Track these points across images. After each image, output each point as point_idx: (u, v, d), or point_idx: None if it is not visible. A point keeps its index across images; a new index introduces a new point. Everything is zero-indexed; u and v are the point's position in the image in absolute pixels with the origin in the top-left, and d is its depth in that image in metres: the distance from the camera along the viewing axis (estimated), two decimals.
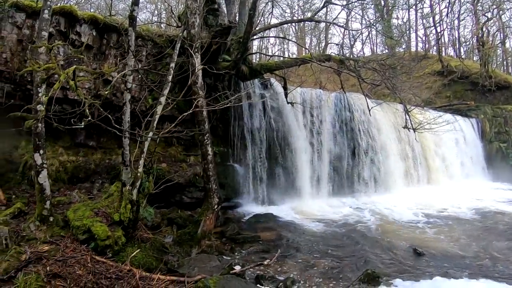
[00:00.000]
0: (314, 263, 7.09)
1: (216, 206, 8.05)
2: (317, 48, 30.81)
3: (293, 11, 30.92)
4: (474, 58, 32.33)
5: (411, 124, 11.34)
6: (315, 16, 15.00)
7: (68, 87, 7.43)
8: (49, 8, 6.14)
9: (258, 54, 21.72)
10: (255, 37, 13.71)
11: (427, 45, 33.84)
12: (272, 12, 26.84)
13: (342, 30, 29.04)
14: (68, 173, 8.56)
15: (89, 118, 4.56)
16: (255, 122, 12.33)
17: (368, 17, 28.72)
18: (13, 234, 5.31)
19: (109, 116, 5.29)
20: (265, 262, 6.75)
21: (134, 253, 5.47)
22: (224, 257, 7.02)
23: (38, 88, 5.70)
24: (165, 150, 10.24)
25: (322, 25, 28.49)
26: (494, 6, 28.47)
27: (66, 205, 6.69)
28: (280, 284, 5.87)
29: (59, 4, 8.70)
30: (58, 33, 8.48)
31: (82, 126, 4.57)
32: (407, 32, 33.18)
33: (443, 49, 32.58)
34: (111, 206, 6.13)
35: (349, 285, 6.03)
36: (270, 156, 12.53)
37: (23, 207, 6.35)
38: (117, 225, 5.84)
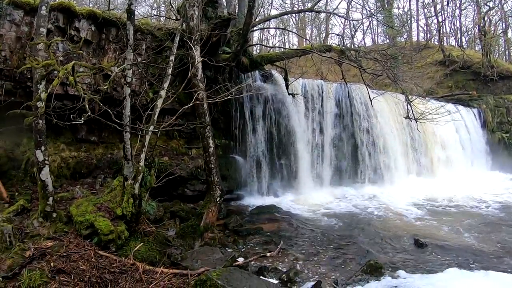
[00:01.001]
0: (316, 254, 7.13)
1: (218, 199, 8.06)
2: (317, 39, 30.60)
3: (293, 2, 30.69)
4: (476, 48, 32.07)
5: (413, 114, 11.28)
6: (315, 7, 14.94)
7: (68, 83, 7.42)
8: (46, 4, 6.12)
9: (258, 45, 21.61)
10: (255, 28, 13.62)
11: (428, 35, 33.59)
12: (272, 3, 26.71)
13: (343, 20, 28.96)
14: (70, 168, 8.59)
15: (89, 113, 4.57)
16: (256, 114, 12.34)
17: (369, 7, 28.52)
18: (16, 231, 5.34)
19: (109, 110, 5.29)
20: (268, 254, 6.83)
21: (137, 247, 5.52)
22: (227, 249, 7.07)
23: (38, 85, 5.70)
24: (167, 143, 10.26)
25: (323, 15, 28.26)
26: None
27: (69, 201, 6.72)
28: (283, 275, 5.91)
29: (57, 0, 8.64)
30: (57, 29, 8.46)
31: (82, 122, 4.59)
32: (408, 22, 32.96)
33: (445, 38, 32.37)
34: (114, 200, 6.15)
35: (352, 276, 6.07)
36: (272, 148, 12.54)
37: (26, 204, 6.38)
38: (120, 220, 5.87)
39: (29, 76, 7.78)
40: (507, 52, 35.48)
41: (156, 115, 6.68)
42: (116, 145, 9.34)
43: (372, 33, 35.34)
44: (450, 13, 33.34)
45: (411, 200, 12.27)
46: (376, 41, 33.42)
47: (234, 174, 11.40)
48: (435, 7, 30.28)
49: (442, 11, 31.57)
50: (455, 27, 33.98)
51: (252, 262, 6.40)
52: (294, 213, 10.18)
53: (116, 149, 9.27)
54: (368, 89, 12.59)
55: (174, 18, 10.93)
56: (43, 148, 5.77)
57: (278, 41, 32.72)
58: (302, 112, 13.42)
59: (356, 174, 14.49)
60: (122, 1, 23.89)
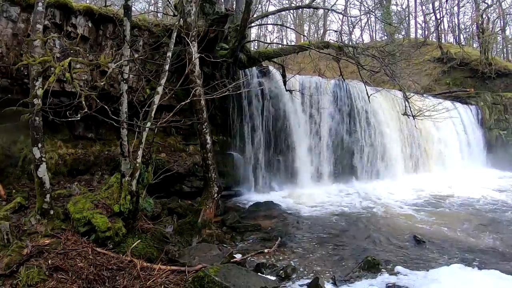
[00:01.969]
0: (314, 250, 7.15)
1: (216, 195, 8.08)
2: (315, 35, 30.61)
3: None
4: (474, 45, 32.14)
5: (411, 111, 11.30)
6: (313, 3, 14.85)
7: (65, 79, 7.39)
8: (43, 1, 6.08)
9: (256, 41, 21.55)
10: (252, 24, 13.61)
11: (426, 32, 33.63)
12: None
13: (341, 16, 28.80)
14: (67, 165, 8.55)
15: (85, 110, 4.55)
16: (254, 110, 12.34)
17: (367, 4, 28.44)
18: (14, 228, 5.34)
19: (106, 107, 5.28)
20: (266, 251, 6.85)
21: (135, 244, 5.52)
22: (225, 246, 7.06)
23: (34, 82, 5.67)
24: (164, 140, 10.26)
25: (321, 12, 28.18)
26: None
27: (66, 198, 6.70)
28: (281, 271, 5.92)
29: None
30: (54, 25, 8.40)
31: (78, 118, 4.57)
32: (406, 18, 32.97)
33: (443, 35, 32.51)
34: (111, 197, 6.16)
35: (349, 272, 6.08)
36: (270, 144, 12.58)
37: (24, 201, 6.36)
38: (117, 216, 5.87)
39: (25, 73, 7.73)
40: (505, 50, 35.62)
41: (153, 112, 6.66)
42: (114, 142, 9.31)
43: (370, 29, 35.37)
44: (449, 10, 33.29)
45: (409, 196, 12.34)
46: (374, 38, 33.41)
47: (231, 170, 11.40)
48: (433, 4, 30.28)
49: (441, 8, 31.54)
50: (453, 24, 33.98)
51: (250, 259, 6.40)
52: (292, 210, 10.19)
53: (114, 146, 9.24)
54: (366, 86, 12.59)
55: (172, 14, 10.89)
56: (40, 145, 5.75)
57: (276, 37, 32.68)
58: (300, 109, 13.45)
59: (354, 171, 14.56)
60: None
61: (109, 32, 9.22)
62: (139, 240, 5.68)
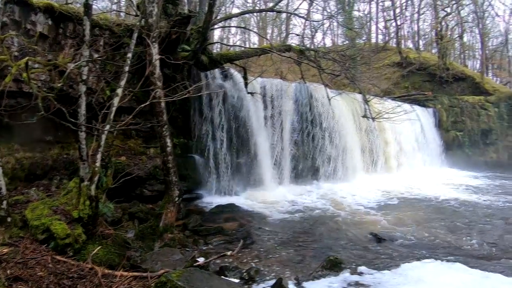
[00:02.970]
0: (277, 251, 7.28)
1: (177, 199, 8.03)
2: (278, 39, 30.89)
3: (255, 1, 30.84)
4: (433, 51, 33.70)
5: (370, 113, 11.72)
6: (277, 7, 15.09)
7: (22, 79, 7.13)
8: None
9: (218, 44, 21.56)
10: (215, 26, 13.60)
11: (387, 37, 34.85)
12: (233, 1, 26.68)
13: (304, 20, 29.32)
14: (25, 170, 8.24)
15: (42, 112, 4.45)
16: (215, 113, 12.34)
17: (330, 9, 29.13)
18: None
19: (63, 109, 5.18)
20: (228, 253, 6.90)
21: (95, 250, 5.42)
22: (187, 249, 7.06)
23: None
24: (124, 142, 10.08)
25: (284, 15, 28.57)
26: (454, 2, 29.80)
27: (24, 204, 6.46)
28: (244, 274, 5.99)
29: None
30: (12, 22, 8.08)
31: (35, 121, 4.47)
32: (368, 24, 34.08)
33: (403, 41, 33.90)
34: (70, 203, 6.01)
35: (312, 272, 6.23)
36: (231, 146, 12.60)
37: None
38: (77, 223, 5.74)
39: None
40: (462, 56, 37.64)
41: (112, 114, 6.57)
42: (73, 145, 9.02)
43: (332, 34, 36.18)
44: (409, 17, 34.80)
45: (369, 196, 12.86)
46: (336, 42, 34.19)
47: (193, 173, 11.37)
48: (394, 11, 31.52)
49: (401, 15, 32.90)
50: (413, 30, 35.43)
51: (213, 262, 6.42)
52: (254, 212, 10.31)
53: (73, 149, 8.96)
54: (327, 89, 12.95)
55: (134, 14, 10.73)
56: None
57: (239, 39, 32.82)
58: (261, 111, 13.58)
59: (315, 172, 14.92)
60: None
61: (70, 31, 8.98)
62: (99, 247, 5.57)
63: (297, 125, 14.72)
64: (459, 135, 23.65)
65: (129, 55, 7.40)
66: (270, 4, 22.66)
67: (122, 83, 6.95)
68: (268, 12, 21.27)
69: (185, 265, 5.77)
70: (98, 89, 8.99)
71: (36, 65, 7.36)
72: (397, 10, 31.88)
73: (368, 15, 34.63)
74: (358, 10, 33.80)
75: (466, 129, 24.06)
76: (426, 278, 5.98)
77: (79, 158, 6.17)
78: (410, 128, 19.84)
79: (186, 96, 6.57)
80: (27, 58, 4.82)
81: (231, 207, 10.40)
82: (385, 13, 34.55)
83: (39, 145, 8.84)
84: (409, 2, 33.09)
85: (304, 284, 5.84)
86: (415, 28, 34.67)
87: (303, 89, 15.07)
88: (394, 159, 18.59)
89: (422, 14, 34.53)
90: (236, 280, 5.74)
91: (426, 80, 27.50)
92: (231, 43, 26.53)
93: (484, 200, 12.80)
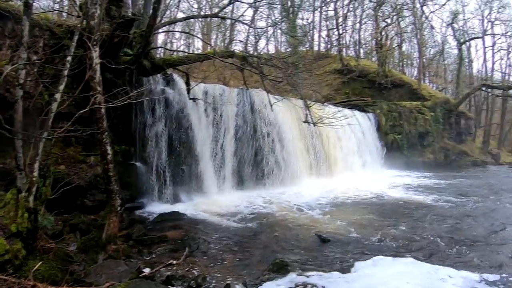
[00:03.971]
0: (224, 258, 7.33)
1: (119, 208, 7.76)
2: (222, 45, 31.00)
3: (201, 6, 30.73)
4: (373, 59, 35.69)
5: (311, 118, 12.09)
6: (221, 13, 15.22)
7: None
8: None
9: (161, 48, 21.23)
10: (159, 30, 13.46)
11: (329, 45, 36.37)
12: (178, 6, 26.38)
13: (248, 27, 29.74)
14: None
15: None
16: (158, 119, 12.13)
17: (274, 16, 29.79)
18: None
19: None
20: (174, 262, 6.79)
21: (37, 266, 5.14)
22: (132, 260, 6.91)
23: None
24: (63, 150, 9.58)
25: (229, 21, 28.77)
26: (394, 13, 31.83)
27: None
28: (192, 282, 5.97)
29: None
30: None
31: None
32: (311, 32, 35.31)
33: (344, 49, 35.55)
34: (7, 216, 5.65)
35: (259, 276, 6.36)
36: (174, 153, 12.46)
37: None
38: (16, 237, 5.41)
39: None
40: (400, 64, 40.37)
41: (51, 120, 6.31)
42: (9, 153, 8.36)
43: (276, 41, 36.98)
44: (351, 26, 36.66)
45: (313, 199, 13.31)
46: (279, 49, 35.02)
47: (135, 181, 11.10)
48: (337, 20, 32.97)
49: (343, 24, 34.50)
50: (354, 39, 37.35)
51: (159, 272, 6.31)
52: (198, 219, 10.28)
53: (9, 158, 8.34)
54: (269, 95, 13.27)
55: (76, 14, 10.31)
56: None
57: (183, 44, 32.43)
58: (204, 117, 13.60)
59: (258, 177, 15.17)
60: None
61: (8, 30, 8.49)
62: (41, 262, 5.29)
63: (240, 131, 14.85)
64: (397, 138, 25.37)
65: (69, 58, 7.15)
66: (216, 10, 22.75)
67: (61, 87, 6.68)
68: (213, 18, 21.30)
69: (130, 276, 5.69)
70: (36, 93, 8.52)
71: None
72: (340, 20, 33.48)
73: (312, 24, 35.93)
74: (302, 19, 34.90)
75: (404, 132, 25.90)
76: (375, 274, 6.36)
77: (15, 167, 5.86)
78: (351, 132, 20.89)
79: (127, 102, 6.47)
80: None
81: (175, 215, 10.28)
82: (328, 22, 36.10)
83: None
84: (351, 12, 34.97)
85: None
86: (356, 37, 36.71)
87: (245, 95, 15.24)
88: (337, 163, 19.45)
89: (364, 24, 36.75)
90: None
91: (366, 86, 29.22)
92: (174, 48, 26.15)
93: (425, 198, 13.90)
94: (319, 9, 34.54)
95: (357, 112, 23.08)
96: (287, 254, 7.55)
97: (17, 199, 5.74)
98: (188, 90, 12.02)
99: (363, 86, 29.27)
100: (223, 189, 13.68)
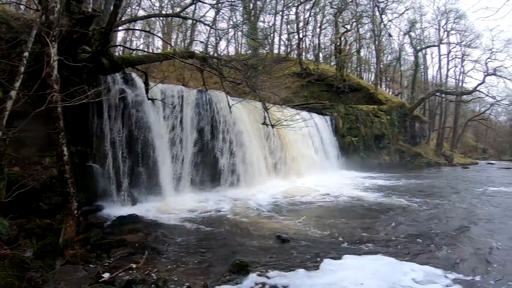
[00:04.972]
0: (184, 260, 7.34)
1: (76, 211, 7.60)
2: (182, 45, 30.73)
3: (163, 5, 30.23)
4: (331, 63, 36.72)
5: (270, 120, 12.34)
6: (183, 13, 15.18)
7: None
8: None
9: (121, 47, 20.77)
10: (120, 28, 13.23)
11: (289, 49, 36.99)
12: (140, 3, 25.89)
13: (209, 28, 29.70)
14: None
15: None
16: (115, 119, 11.93)
17: (236, 18, 29.90)
18: None
19: None
20: (134, 266, 6.78)
21: None
22: (91, 265, 6.80)
23: None
24: (18, 151, 9.24)
25: (190, 22, 28.57)
26: (354, 20, 32.93)
27: None
28: (152, 285, 5.96)
29: None
30: None
31: None
32: (271, 35, 35.78)
33: (304, 53, 36.37)
34: None
35: (220, 277, 6.43)
36: (131, 154, 12.28)
37: None
38: None
39: None
40: (358, 69, 41.86)
41: (5, 119, 6.14)
42: None
43: (236, 43, 37.15)
44: (311, 31, 37.43)
45: (271, 200, 13.61)
46: (239, 51, 35.20)
47: (92, 183, 10.84)
48: (297, 24, 33.62)
49: (304, 29, 35.18)
50: (314, 43, 38.25)
51: (119, 276, 6.29)
52: (157, 221, 10.22)
53: None
54: (228, 96, 13.43)
55: (35, 8, 9.95)
56: None
57: (142, 43, 31.79)
58: (162, 117, 13.54)
59: (217, 179, 15.27)
60: None
61: None
62: None
63: (198, 132, 14.87)
64: (354, 140, 26.40)
65: (26, 54, 6.95)
66: (177, 9, 22.55)
67: (17, 84, 6.51)
68: (174, 18, 21.12)
69: (89, 282, 5.66)
70: None
71: None
72: (301, 24, 34.21)
73: (272, 27, 36.47)
74: (263, 21, 35.46)
75: (361, 135, 26.99)
76: (339, 270, 6.63)
77: None
78: (309, 134, 21.49)
79: (84, 101, 6.40)
80: None
81: (133, 218, 10.19)
82: (288, 26, 36.91)
83: None
84: (312, 17, 35.78)
85: None
86: (316, 42, 37.60)
87: (204, 96, 15.27)
88: (295, 165, 19.82)
89: (324, 29, 37.85)
90: None
91: (324, 90, 30.16)
92: (134, 47, 25.61)
93: (382, 197, 14.60)
94: (280, 13, 35.21)
95: (315, 115, 23.70)
96: (247, 255, 7.67)
97: None
98: (147, 90, 11.89)
99: (322, 90, 30.18)
100: (181, 190, 13.65)
